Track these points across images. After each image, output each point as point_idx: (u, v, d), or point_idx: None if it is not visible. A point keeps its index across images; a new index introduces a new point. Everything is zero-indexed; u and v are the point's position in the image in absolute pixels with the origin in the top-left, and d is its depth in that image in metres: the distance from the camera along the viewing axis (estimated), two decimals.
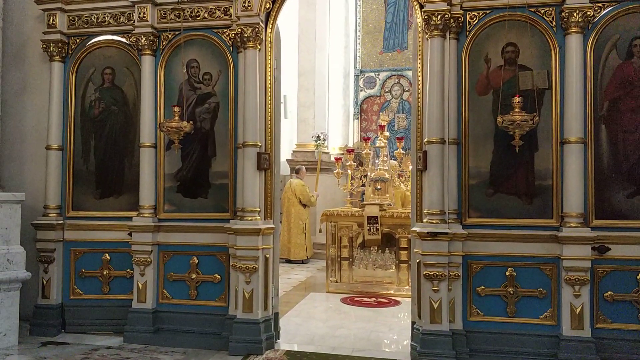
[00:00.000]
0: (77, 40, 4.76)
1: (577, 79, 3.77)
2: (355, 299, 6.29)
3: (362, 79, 11.39)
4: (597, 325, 3.78)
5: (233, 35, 4.34)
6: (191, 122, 4.22)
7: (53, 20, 4.69)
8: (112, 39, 4.75)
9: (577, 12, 3.74)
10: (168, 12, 4.50)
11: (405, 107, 10.99)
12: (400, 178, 7.64)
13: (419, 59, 4.10)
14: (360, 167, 7.94)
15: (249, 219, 4.18)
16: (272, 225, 4.34)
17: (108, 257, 4.68)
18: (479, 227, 3.93)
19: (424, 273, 3.88)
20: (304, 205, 9.31)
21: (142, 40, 4.48)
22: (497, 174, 3.95)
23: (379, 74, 11.29)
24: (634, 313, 3.76)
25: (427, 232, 3.84)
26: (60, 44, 4.69)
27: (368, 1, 11.41)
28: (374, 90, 11.31)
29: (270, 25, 4.37)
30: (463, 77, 3.98)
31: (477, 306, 3.96)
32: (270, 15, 4.36)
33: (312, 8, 10.43)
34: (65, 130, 4.73)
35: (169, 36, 4.52)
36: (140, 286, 4.44)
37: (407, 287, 6.30)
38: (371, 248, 6.66)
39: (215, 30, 4.45)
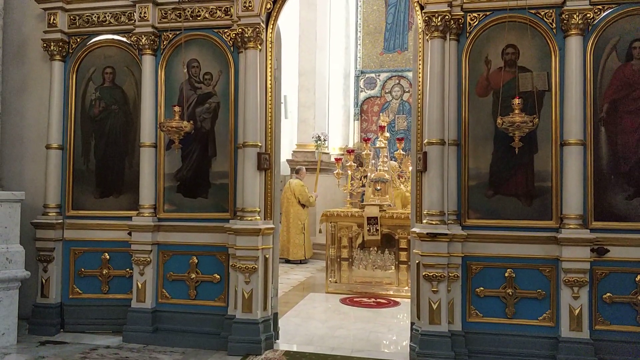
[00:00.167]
0: (78, 40, 4.76)
1: (577, 80, 3.77)
2: (354, 299, 6.29)
3: (362, 80, 11.40)
4: (595, 326, 3.78)
5: (234, 35, 4.35)
6: (191, 122, 4.22)
7: (54, 19, 4.69)
8: (113, 39, 4.75)
9: (577, 14, 3.74)
10: (169, 12, 4.51)
11: (405, 108, 10.99)
12: (400, 179, 7.63)
13: (419, 60, 4.10)
14: (360, 167, 7.95)
15: (249, 219, 4.18)
16: (272, 226, 4.34)
17: (107, 257, 4.68)
18: (479, 228, 3.94)
19: (423, 274, 3.88)
20: (303, 206, 9.32)
21: (143, 40, 4.49)
22: (497, 175, 3.95)
23: (379, 75, 11.29)
24: (633, 315, 3.76)
25: (427, 233, 3.84)
26: (60, 43, 4.69)
27: (369, 2, 11.41)
28: (374, 91, 11.31)
29: (271, 26, 4.38)
30: (463, 78, 3.99)
31: (476, 307, 3.96)
32: (271, 16, 4.37)
33: (312, 8, 10.44)
34: (66, 129, 4.73)
35: (170, 36, 4.53)
36: (140, 286, 4.44)
37: (406, 287, 6.30)
38: (371, 249, 6.66)
39: (216, 30, 4.45)
